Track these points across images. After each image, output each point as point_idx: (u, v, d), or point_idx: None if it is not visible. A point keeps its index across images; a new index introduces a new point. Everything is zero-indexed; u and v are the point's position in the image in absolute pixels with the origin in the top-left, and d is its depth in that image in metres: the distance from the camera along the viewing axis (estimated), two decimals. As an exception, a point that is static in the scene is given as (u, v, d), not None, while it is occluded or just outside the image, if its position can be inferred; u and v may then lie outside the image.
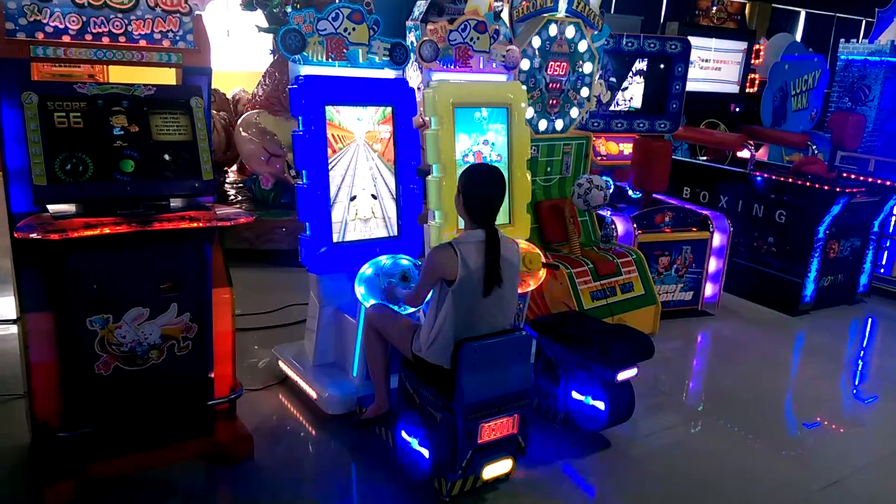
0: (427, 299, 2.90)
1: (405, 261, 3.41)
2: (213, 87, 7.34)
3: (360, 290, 3.27)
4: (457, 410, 2.68)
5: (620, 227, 4.80)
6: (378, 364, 3.14)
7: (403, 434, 2.95)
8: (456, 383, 2.67)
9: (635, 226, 4.80)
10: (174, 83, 3.05)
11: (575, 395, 3.36)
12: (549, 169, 4.57)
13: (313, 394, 3.45)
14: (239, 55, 8.96)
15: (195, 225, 2.71)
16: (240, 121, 6.41)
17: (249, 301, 4.86)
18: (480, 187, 2.75)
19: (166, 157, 2.86)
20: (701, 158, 6.62)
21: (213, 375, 3.01)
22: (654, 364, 3.47)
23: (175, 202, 2.89)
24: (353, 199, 3.49)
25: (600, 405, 3.24)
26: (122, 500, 2.79)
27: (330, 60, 3.37)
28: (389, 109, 3.57)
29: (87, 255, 2.62)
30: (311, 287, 3.63)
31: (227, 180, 7.21)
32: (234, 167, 7.32)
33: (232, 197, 6.74)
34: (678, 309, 5.05)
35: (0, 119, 2.67)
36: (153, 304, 2.79)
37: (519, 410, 2.83)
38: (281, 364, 3.77)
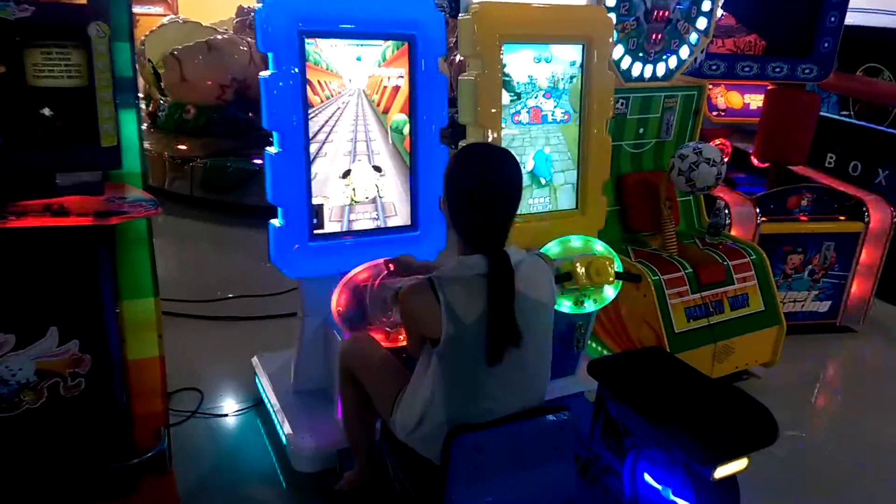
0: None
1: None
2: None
3: (337, 306, 2.28)
4: (447, 535, 1.70)
5: (737, 212, 3.54)
6: (355, 420, 2.18)
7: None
8: (447, 493, 1.68)
9: (758, 210, 3.53)
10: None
11: (648, 479, 2.28)
12: (641, 130, 3.35)
13: (284, 433, 2.55)
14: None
15: (63, 222, 1.80)
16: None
17: (255, 276, 4.01)
18: (477, 188, 1.66)
19: (46, 111, 1.95)
20: (844, 113, 5.12)
21: (128, 418, 2.17)
22: (770, 405, 2.31)
23: (64, 179, 2.01)
24: (346, 174, 2.48)
25: (684, 505, 2.16)
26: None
27: (314, -31, 2.32)
28: (404, 45, 2.49)
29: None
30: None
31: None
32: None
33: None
34: (807, 323, 3.77)
35: None
36: (21, 330, 1.93)
37: (550, 533, 1.81)
38: (258, 381, 2.89)
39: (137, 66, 6.40)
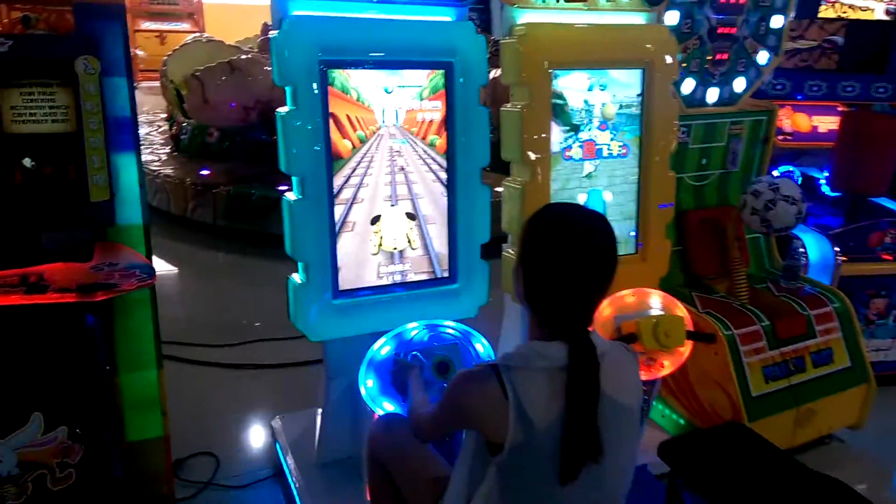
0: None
1: (450, 330, 2.07)
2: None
3: (367, 385, 1.98)
4: None
5: (813, 250, 3.16)
6: (387, 518, 1.86)
7: None
8: None
9: (837, 249, 3.14)
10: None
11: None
12: (704, 161, 3.00)
13: (305, 520, 2.25)
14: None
15: (41, 299, 1.51)
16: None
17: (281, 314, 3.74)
18: (563, 261, 1.32)
19: (27, 162, 1.68)
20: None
21: None
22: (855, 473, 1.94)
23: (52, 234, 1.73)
24: (375, 220, 2.18)
25: None
26: None
27: (340, -9, 2.03)
28: (440, 75, 2.18)
29: None
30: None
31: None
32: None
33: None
34: (889, 374, 3.36)
35: None
36: (-2, 417, 1.66)
37: None
38: (279, 448, 2.59)
39: (161, 86, 6.26)
